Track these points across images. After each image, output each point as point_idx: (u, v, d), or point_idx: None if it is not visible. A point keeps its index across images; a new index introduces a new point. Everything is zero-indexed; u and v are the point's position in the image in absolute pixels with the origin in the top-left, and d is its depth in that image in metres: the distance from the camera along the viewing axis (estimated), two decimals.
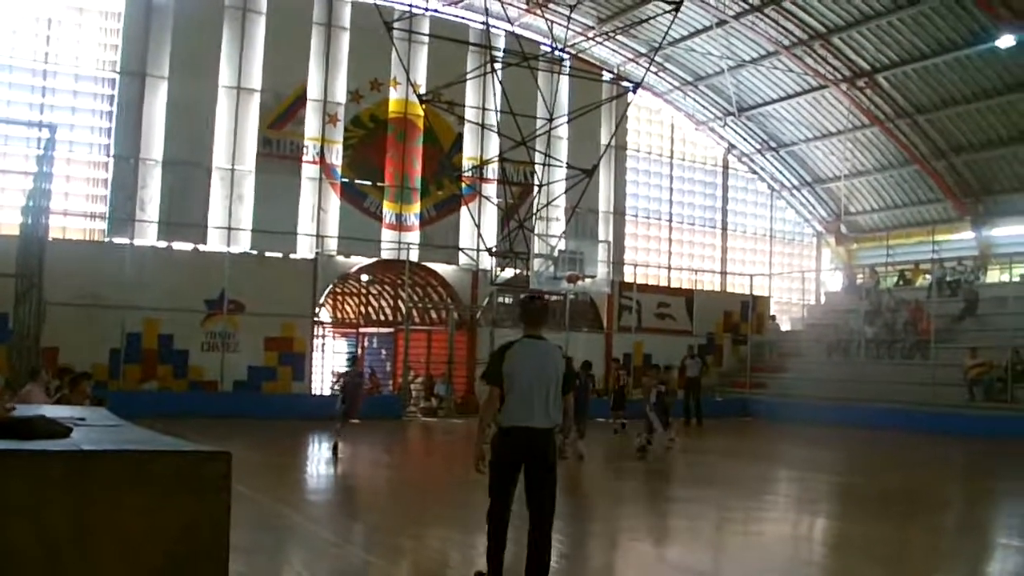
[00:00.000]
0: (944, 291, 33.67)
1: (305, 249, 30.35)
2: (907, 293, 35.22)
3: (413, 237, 32.21)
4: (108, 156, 28.60)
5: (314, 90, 31.12)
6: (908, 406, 27.61)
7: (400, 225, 32.04)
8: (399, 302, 32.23)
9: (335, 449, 18.13)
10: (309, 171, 30.95)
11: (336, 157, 31.35)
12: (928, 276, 35.86)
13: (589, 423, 19.89)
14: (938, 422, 26.45)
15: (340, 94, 31.53)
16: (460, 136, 33.20)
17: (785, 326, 40.19)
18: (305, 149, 30.87)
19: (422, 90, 30.97)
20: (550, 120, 29.35)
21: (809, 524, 13.14)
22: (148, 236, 28.50)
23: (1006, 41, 28.06)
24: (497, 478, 7.49)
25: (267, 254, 29.42)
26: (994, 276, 35.45)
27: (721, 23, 32.59)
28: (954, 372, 28.12)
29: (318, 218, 30.85)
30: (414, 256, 31.71)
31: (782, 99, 36.53)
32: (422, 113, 31.35)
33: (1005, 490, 16.66)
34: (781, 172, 40.75)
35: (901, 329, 32.80)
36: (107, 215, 28.42)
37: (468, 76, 31.50)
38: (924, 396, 28.02)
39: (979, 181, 34.99)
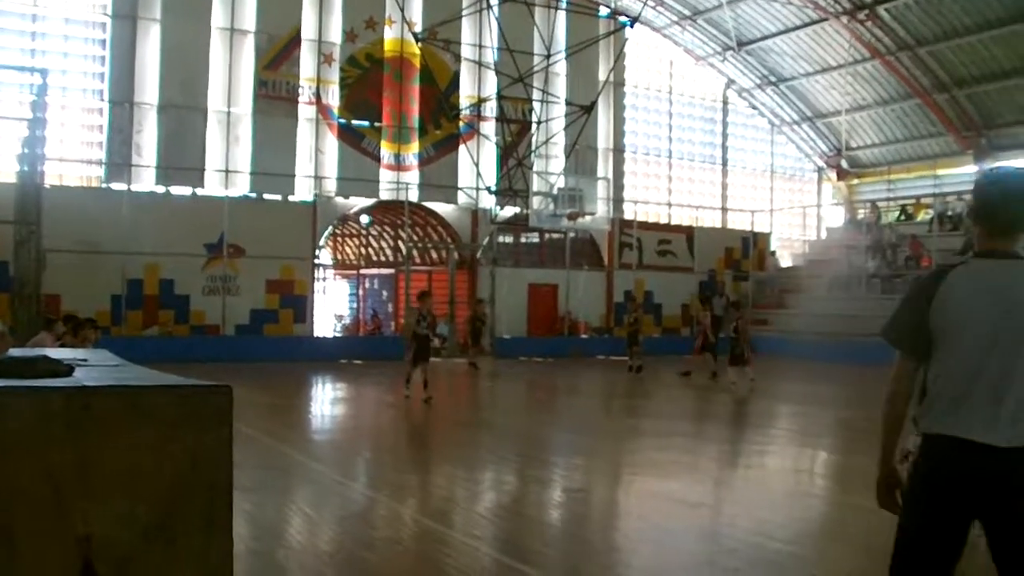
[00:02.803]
0: (946, 226, 33.61)
1: (304, 191, 30.22)
2: (908, 228, 35.17)
3: (412, 177, 32.07)
4: (103, 101, 28.36)
5: (309, 30, 30.78)
6: None
7: (399, 165, 31.88)
8: (399, 243, 32.19)
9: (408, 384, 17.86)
10: (306, 112, 30.72)
11: (332, 98, 31.10)
12: (930, 211, 35.78)
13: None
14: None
15: (335, 34, 31.19)
16: (457, 74, 32.90)
17: (786, 262, 40.17)
18: (301, 90, 30.61)
19: (418, 28, 30.74)
20: (547, 57, 29.22)
21: (810, 457, 13.21)
22: (145, 181, 28.36)
23: None
24: (915, 531, 3.63)
25: (266, 197, 29.27)
26: None
27: None
28: None
29: (316, 160, 30.68)
30: (413, 196, 31.59)
31: (782, 33, 36.18)
32: (418, 52, 31.14)
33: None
34: (781, 107, 40.47)
35: (902, 264, 32.79)
36: (103, 161, 28.26)
37: (464, 13, 31.29)
38: None
39: (981, 114, 34.75)
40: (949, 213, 34.30)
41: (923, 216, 36.56)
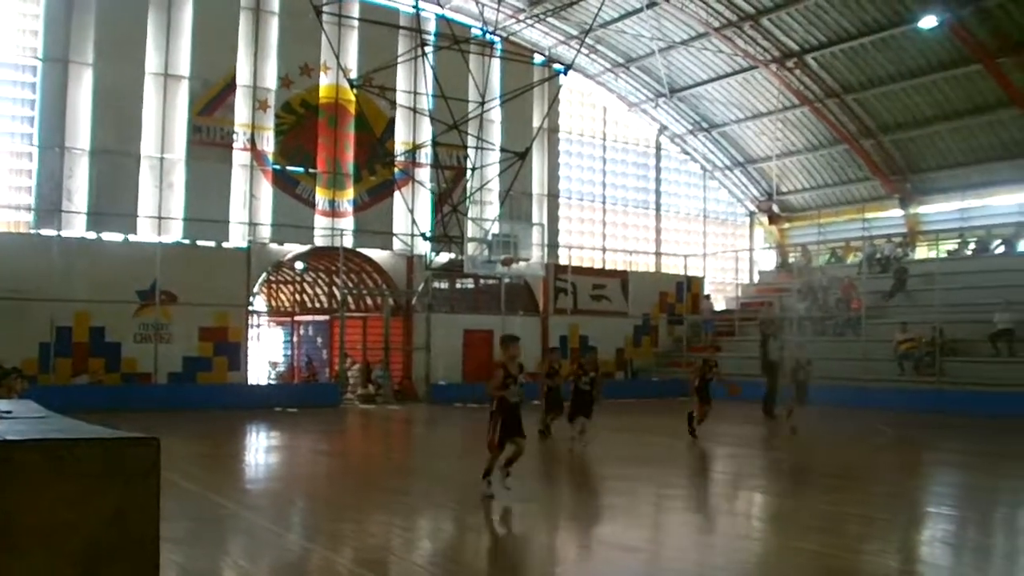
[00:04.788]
0: (874, 268, 34.30)
1: (238, 237, 30.01)
2: (839, 270, 35.78)
3: (347, 223, 32.00)
4: (32, 145, 27.97)
5: (244, 76, 30.72)
6: (840, 381, 28.00)
7: (334, 211, 31.82)
8: (334, 289, 32.01)
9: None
10: (240, 158, 30.58)
11: (267, 144, 31.01)
12: (859, 253, 36.48)
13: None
14: (870, 396, 26.93)
15: (270, 80, 31.16)
16: (392, 121, 33.02)
17: (720, 305, 40.56)
18: (236, 136, 30.49)
19: (353, 75, 30.83)
20: (482, 103, 29.37)
21: (747, 500, 13.28)
22: (76, 227, 27.94)
23: (928, 22, 28.67)
24: None
25: (199, 243, 29.03)
26: (922, 252, 36.12)
27: (651, 4, 32.77)
28: (884, 347, 28.62)
29: (250, 206, 30.51)
30: (348, 242, 31.50)
31: (713, 80, 36.86)
32: (353, 98, 31.22)
33: (933, 460, 17.00)
34: (713, 152, 41.11)
35: (833, 306, 33.29)
36: (32, 206, 27.82)
37: (399, 60, 31.41)
38: (856, 371, 28.51)
39: (905, 159, 35.63)
40: (878, 255, 35.06)
41: (853, 259, 37.25)
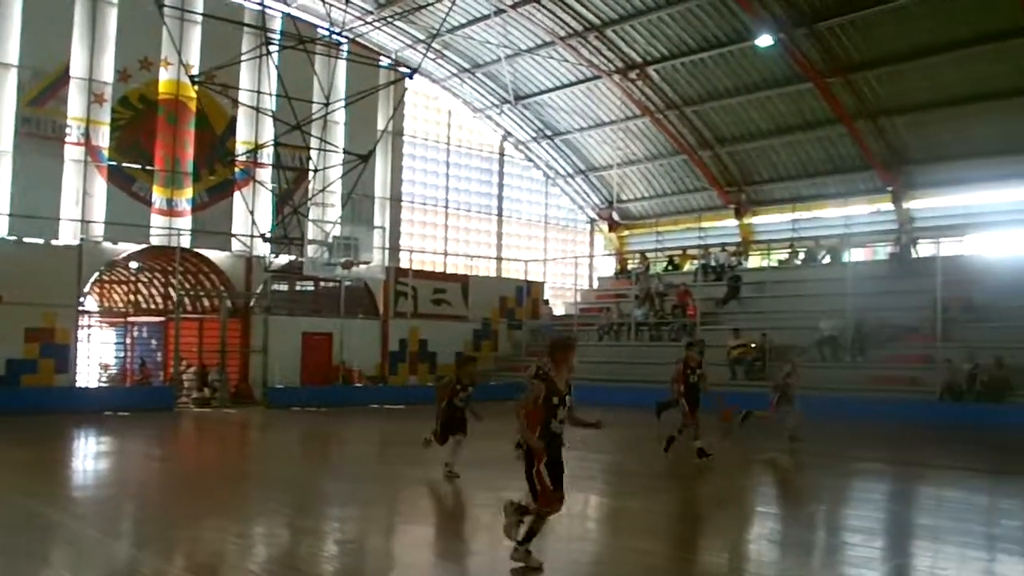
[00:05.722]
0: (709, 276, 35.41)
1: (69, 235, 28.96)
2: (675, 277, 36.77)
3: (185, 223, 31.25)
4: None
5: (78, 67, 29.67)
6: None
7: (171, 210, 31.05)
8: (170, 289, 31.21)
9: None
10: (73, 153, 29.50)
11: (103, 139, 30.02)
12: (695, 261, 37.61)
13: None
14: (703, 400, 27.67)
15: (107, 73, 30.19)
16: (234, 120, 32.42)
17: (559, 310, 41.17)
18: (69, 129, 29.40)
19: (195, 71, 30.12)
20: (326, 105, 29.16)
21: (583, 502, 13.56)
22: None
23: (764, 40, 29.81)
24: None
25: (27, 240, 27.87)
26: (755, 261, 37.45)
27: (499, 12, 33.13)
28: (718, 352, 29.52)
29: (83, 202, 29.49)
30: (185, 242, 30.77)
31: (557, 88, 37.46)
32: (194, 95, 30.57)
33: (759, 462, 17.60)
34: (556, 160, 41.73)
35: (669, 312, 34.20)
36: None
37: (243, 58, 30.88)
38: None
39: (740, 171, 36.91)
40: (713, 264, 36.16)
41: (689, 266, 38.34)
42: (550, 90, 37.73)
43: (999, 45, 27.38)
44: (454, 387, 14.25)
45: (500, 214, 41.20)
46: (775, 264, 36.04)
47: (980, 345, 24.87)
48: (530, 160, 42.01)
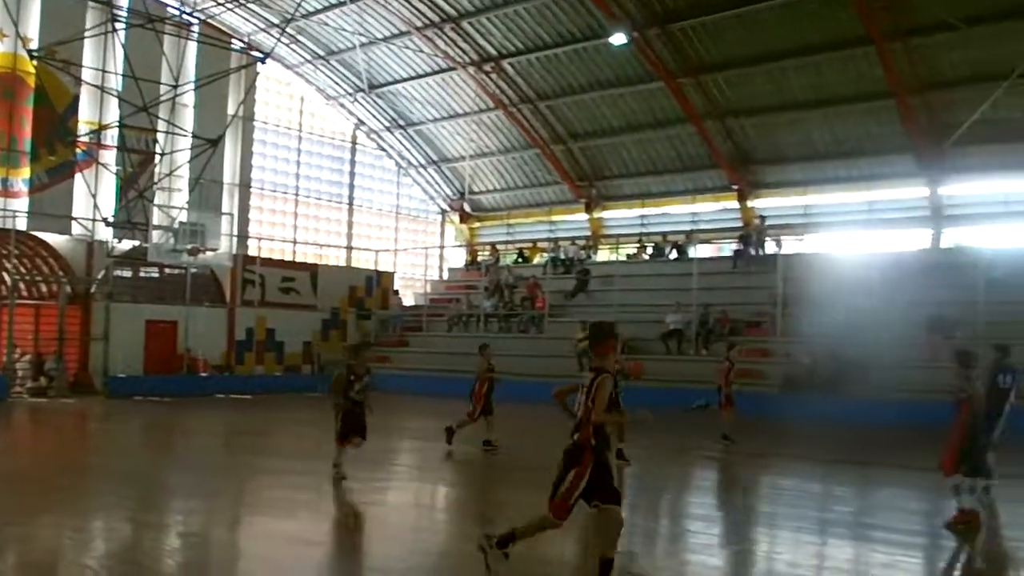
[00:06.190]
0: (558, 268, 35.90)
1: None
2: (525, 270, 37.15)
3: (21, 204, 29.94)
4: None
5: None
6: (523, 378, 29.06)
7: (6, 191, 29.71)
8: (4, 274, 29.96)
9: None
10: None
11: None
12: (545, 254, 38.07)
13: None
14: (549, 392, 28.10)
15: None
16: (77, 98, 31.15)
17: (409, 301, 41.12)
18: None
19: (34, 45, 28.96)
20: (175, 87, 28.48)
21: (430, 492, 13.66)
22: None
23: (618, 39, 30.35)
24: None
25: None
26: (604, 255, 38.13)
27: None
28: (565, 345, 29.95)
29: None
30: (22, 225, 29.51)
31: (412, 78, 37.37)
32: (33, 70, 29.34)
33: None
34: (409, 150, 41.64)
35: (519, 304, 34.53)
36: None
37: (87, 34, 29.82)
38: (538, 367, 29.65)
39: (592, 166, 37.51)
40: (562, 257, 36.68)
41: (538, 259, 38.78)
42: (405, 80, 37.61)
43: (841, 53, 28.56)
44: (348, 379, 13.15)
45: (351, 203, 40.89)
46: (623, 258, 36.71)
47: (818, 340, 25.85)
48: (383, 150, 41.80)
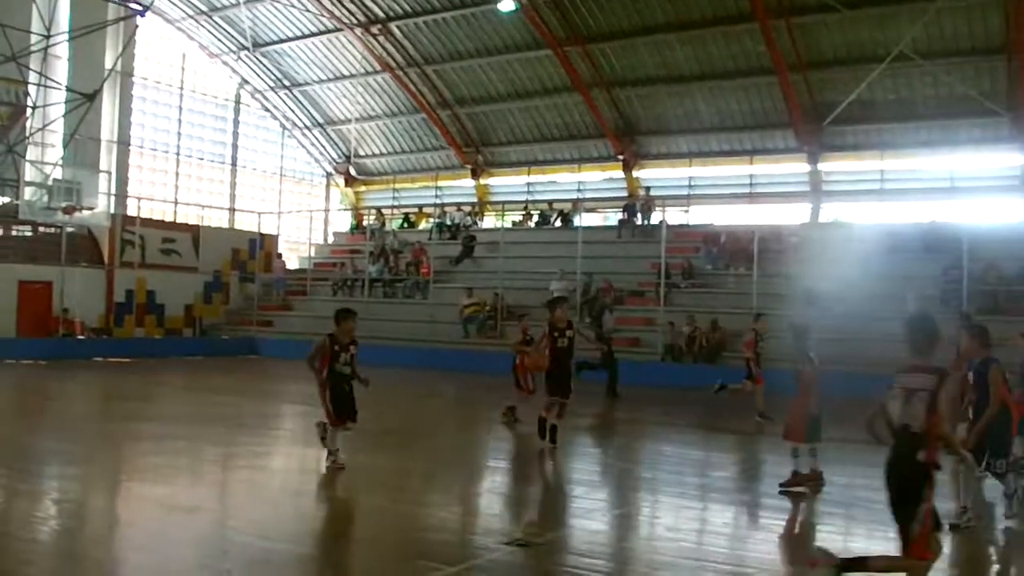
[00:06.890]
0: (444, 234, 35.78)
1: None
2: (411, 235, 36.94)
3: None
4: None
5: None
6: (408, 343, 28.98)
7: None
8: None
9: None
10: None
11: None
12: (431, 220, 37.91)
13: None
14: (436, 358, 28.12)
15: None
16: None
17: (292, 264, 40.53)
18: None
19: None
20: (47, 37, 27.38)
21: (315, 457, 13.46)
22: None
23: (506, 5, 30.36)
24: None
25: None
26: (490, 222, 38.14)
27: None
28: (451, 311, 29.93)
29: None
30: None
31: (298, 38, 36.78)
32: None
33: (484, 419, 17.93)
34: (294, 111, 40.99)
35: (404, 269, 34.33)
36: None
37: None
38: (423, 333, 29.62)
39: (478, 132, 37.46)
40: (448, 223, 36.58)
41: (424, 224, 38.61)
42: (290, 39, 36.92)
43: (726, 28, 29.14)
44: (332, 349, 11.28)
45: (234, 164, 40.07)
46: (509, 225, 36.76)
47: (698, 309, 26.36)
48: (267, 110, 41.03)
